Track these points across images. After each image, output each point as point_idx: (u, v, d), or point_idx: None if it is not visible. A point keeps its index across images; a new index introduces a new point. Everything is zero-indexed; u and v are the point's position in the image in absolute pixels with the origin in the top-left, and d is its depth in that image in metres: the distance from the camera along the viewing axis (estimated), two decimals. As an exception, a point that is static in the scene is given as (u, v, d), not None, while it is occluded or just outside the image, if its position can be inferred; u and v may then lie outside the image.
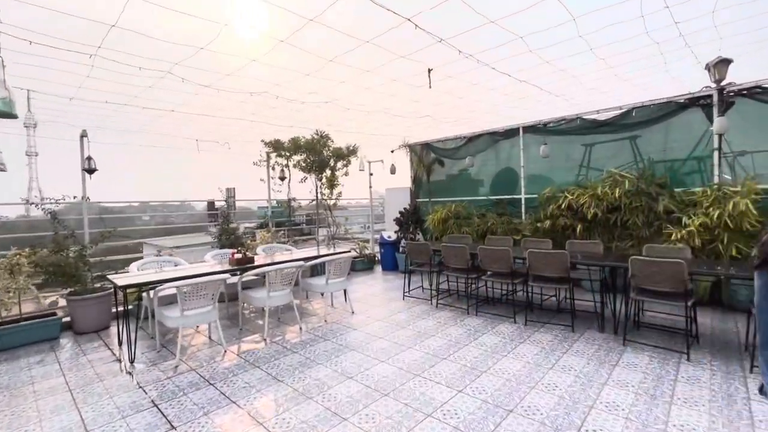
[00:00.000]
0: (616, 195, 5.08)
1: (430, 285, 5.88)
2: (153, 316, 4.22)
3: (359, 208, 13.94)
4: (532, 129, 6.59)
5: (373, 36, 3.76)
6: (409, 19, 3.39)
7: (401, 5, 3.29)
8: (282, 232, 8.17)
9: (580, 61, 4.81)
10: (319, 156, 7.03)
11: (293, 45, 3.91)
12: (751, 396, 2.70)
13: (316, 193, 7.51)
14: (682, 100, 5.14)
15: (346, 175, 8.00)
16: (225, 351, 3.90)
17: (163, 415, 2.74)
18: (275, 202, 8.06)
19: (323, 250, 6.13)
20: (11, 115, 3.48)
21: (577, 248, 4.92)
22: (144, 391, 3.10)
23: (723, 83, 4.81)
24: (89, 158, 4.98)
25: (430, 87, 4.37)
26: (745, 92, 4.70)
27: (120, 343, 4.13)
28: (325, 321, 4.77)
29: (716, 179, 4.92)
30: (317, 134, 6.90)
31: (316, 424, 2.55)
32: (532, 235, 6.14)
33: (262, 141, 6.76)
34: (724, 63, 4.83)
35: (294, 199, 7.58)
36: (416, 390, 2.95)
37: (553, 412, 2.58)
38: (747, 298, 4.53)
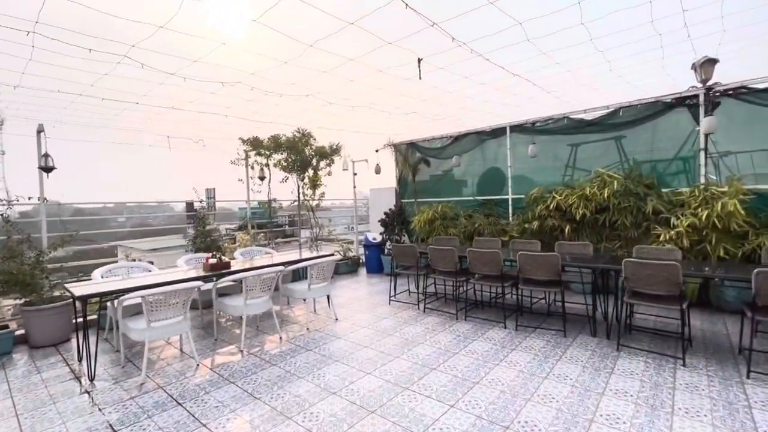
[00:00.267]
0: (605, 195, 5.01)
1: (417, 289, 5.69)
2: (118, 327, 3.87)
3: (344, 209, 13.68)
4: (519, 128, 6.48)
5: (359, 17, 3.41)
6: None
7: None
8: (262, 234, 7.85)
9: (577, 53, 4.54)
10: (300, 155, 6.74)
11: (267, 26, 3.48)
12: (751, 404, 2.60)
13: (298, 193, 7.22)
14: (668, 100, 5.11)
15: (329, 175, 7.74)
16: (197, 365, 3.59)
17: (123, 442, 2.44)
18: (256, 203, 7.73)
19: (306, 253, 5.86)
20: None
21: (567, 250, 4.81)
22: (103, 413, 2.78)
23: (709, 83, 4.80)
24: (46, 155, 4.57)
25: (420, 78, 4.12)
26: (730, 92, 4.69)
27: (80, 359, 3.77)
28: (307, 329, 4.51)
29: (703, 179, 4.90)
30: (299, 132, 6.62)
31: (295, 449, 2.31)
32: (519, 236, 6.03)
33: (240, 139, 6.42)
34: (710, 63, 4.82)
35: (275, 200, 7.27)
36: (405, 405, 2.74)
37: (552, 428, 2.41)
38: (735, 299, 4.52)
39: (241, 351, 3.89)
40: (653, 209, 4.85)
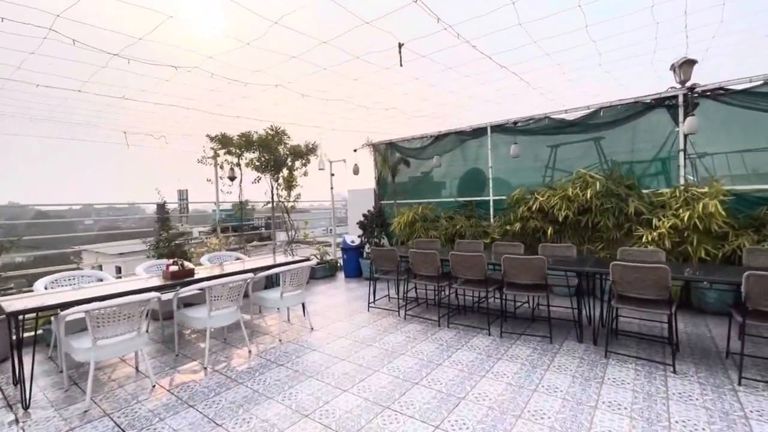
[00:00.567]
0: (588, 196, 4.92)
1: (398, 294, 5.45)
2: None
3: (322, 211, 13.31)
4: (500, 128, 6.36)
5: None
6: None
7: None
8: (233, 238, 7.42)
9: (569, 42, 4.32)
10: (274, 154, 6.37)
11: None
12: (747, 414, 2.49)
13: (272, 194, 6.85)
14: (648, 101, 5.09)
15: (305, 175, 7.39)
16: (154, 386, 3.21)
17: (53, 488, 2.07)
18: (229, 205, 7.30)
19: (280, 258, 5.52)
20: None
21: (550, 252, 4.69)
22: (34, 451, 2.38)
23: (688, 84, 4.79)
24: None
25: (401, 65, 3.84)
26: (708, 93, 4.70)
27: (15, 382, 3.31)
28: (280, 341, 4.17)
29: (682, 180, 4.89)
30: (272, 130, 6.25)
31: (260, 488, 2.00)
32: (501, 238, 5.90)
33: (208, 136, 5.99)
34: (689, 64, 4.82)
35: (247, 202, 6.86)
36: (386, 428, 2.47)
37: (546, 450, 2.21)
38: (716, 301, 4.51)
39: (205, 368, 3.52)
40: (635, 210, 4.79)
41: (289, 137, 6.46)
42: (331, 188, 8.48)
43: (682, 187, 4.67)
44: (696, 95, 4.73)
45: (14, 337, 3.06)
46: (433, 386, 3.01)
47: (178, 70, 4.30)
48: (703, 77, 4.74)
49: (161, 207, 6.39)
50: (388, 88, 5.49)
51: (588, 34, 4.05)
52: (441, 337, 4.07)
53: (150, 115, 5.74)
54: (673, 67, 4.98)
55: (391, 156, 7.80)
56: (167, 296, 4.11)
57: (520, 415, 2.57)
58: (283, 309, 4.95)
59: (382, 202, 8.03)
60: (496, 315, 4.60)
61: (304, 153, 7.03)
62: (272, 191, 6.82)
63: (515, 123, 6.14)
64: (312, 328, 4.53)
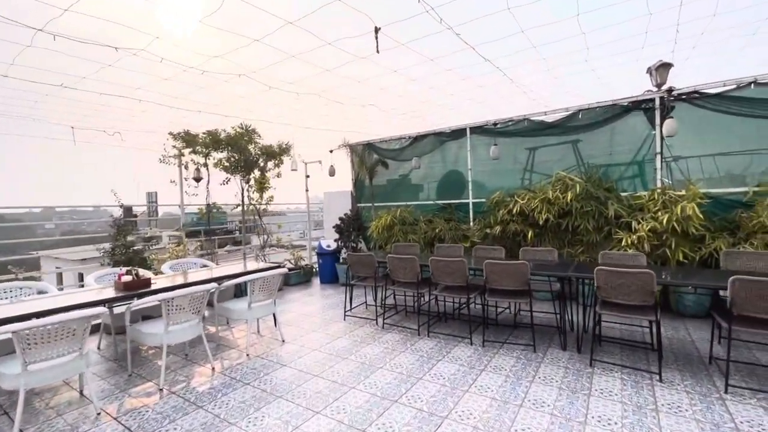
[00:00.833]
0: (568, 199, 4.85)
1: (375, 301, 5.21)
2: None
3: (299, 214, 12.93)
4: (479, 129, 6.26)
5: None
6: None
7: None
8: (200, 243, 6.98)
9: (559, 33, 4.15)
10: (244, 154, 6.02)
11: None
12: (738, 425, 2.39)
13: (242, 197, 6.48)
14: (625, 104, 5.09)
15: (278, 177, 7.06)
16: (98, 413, 2.83)
17: None
18: (195, 208, 6.86)
19: (251, 264, 5.17)
20: None
21: (531, 256, 4.58)
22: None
23: (665, 87, 4.81)
24: None
25: (377, 51, 3.59)
26: (684, 97, 4.72)
27: (-70, 415, 2.85)
28: (247, 355, 3.85)
29: (659, 183, 4.90)
30: (241, 128, 5.90)
31: None
32: (481, 241, 5.77)
33: (170, 133, 5.57)
34: (665, 67, 4.84)
35: (214, 204, 6.45)
36: (362, 456, 2.23)
37: (537, 476, 2.02)
38: (694, 304, 4.51)
39: (161, 389, 3.16)
40: (615, 213, 4.75)
41: (259, 136, 6.12)
42: (306, 190, 8.17)
43: (659, 190, 4.67)
44: (672, 98, 4.75)
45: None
46: (414, 404, 2.78)
47: (120, 53, 3.76)
48: (680, 82, 4.76)
49: (128, 210, 5.92)
50: (365, 82, 5.14)
51: (579, 24, 3.87)
52: (421, 348, 3.86)
53: (99, 108, 5.17)
54: (649, 70, 5.00)
55: (368, 157, 7.57)
56: (122, 308, 3.71)
57: (507, 435, 2.38)
58: (252, 320, 4.60)
59: (360, 204, 7.79)
60: (478, 322, 4.43)
61: (277, 153, 6.71)
62: (242, 193, 6.45)
63: (495, 124, 6.04)
64: (283, 341, 4.22)
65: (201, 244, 6.72)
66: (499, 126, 6.06)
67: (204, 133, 5.66)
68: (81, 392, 3.20)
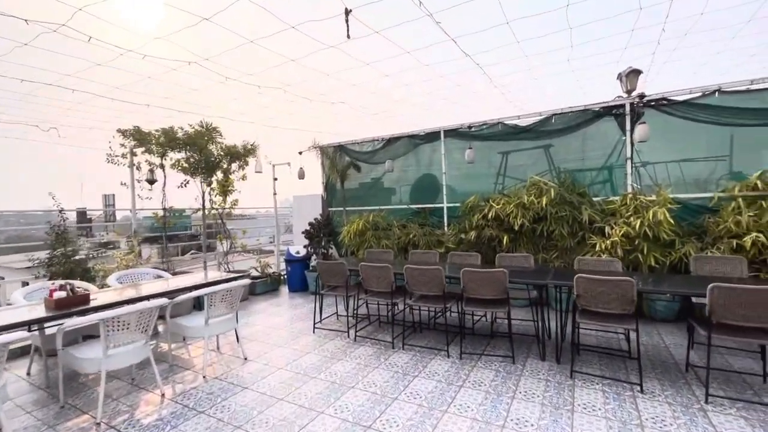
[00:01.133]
0: (543, 203, 4.79)
1: (347, 311, 4.92)
2: None
3: (269, 218, 12.43)
4: (453, 132, 6.14)
5: None
6: None
7: None
8: (158, 250, 6.44)
9: (546, 28, 3.94)
10: (203, 152, 5.57)
11: None
12: (723, 439, 2.31)
13: (203, 200, 6.03)
14: (597, 109, 5.11)
15: (243, 179, 6.64)
16: (17, 457, 2.39)
17: None
18: (154, 212, 6.30)
19: (213, 274, 4.75)
20: None
21: (508, 263, 4.47)
22: None
23: (635, 93, 4.87)
24: None
25: (348, 37, 3.29)
26: (653, 103, 4.79)
27: None
28: (204, 377, 3.46)
29: (629, 189, 4.94)
30: (201, 126, 5.46)
31: None
32: (456, 247, 5.64)
33: (119, 130, 5.04)
34: (635, 73, 4.89)
35: (171, 209, 5.95)
36: (331, 499, 1.95)
37: None
38: (665, 309, 4.54)
39: (98, 423, 2.74)
40: (589, 218, 4.73)
41: (221, 135, 5.70)
42: (274, 194, 7.76)
43: (630, 195, 4.69)
44: (642, 105, 4.81)
45: None
46: (390, 428, 2.53)
47: (33, 27, 3.13)
48: (654, 88, 4.81)
49: (82, 214, 5.30)
50: (335, 75, 4.78)
51: (567, 19, 3.70)
52: (396, 362, 3.62)
53: (23, 98, 4.53)
54: (620, 77, 5.05)
55: (340, 160, 7.29)
56: (53, 329, 3.23)
57: (491, 463, 2.18)
58: (211, 337, 4.20)
59: (331, 209, 7.49)
60: (454, 332, 4.26)
61: (241, 154, 6.29)
62: (203, 197, 5.99)
63: (470, 127, 5.94)
64: (246, 358, 3.86)
65: (159, 251, 6.18)
66: (473, 129, 5.96)
67: (157, 131, 5.17)
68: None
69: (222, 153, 6.04)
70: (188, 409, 2.90)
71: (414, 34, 3.77)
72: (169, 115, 5.44)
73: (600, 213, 4.84)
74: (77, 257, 4.62)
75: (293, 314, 5.42)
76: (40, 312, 3.03)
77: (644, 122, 4.47)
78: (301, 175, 7.16)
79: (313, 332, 4.58)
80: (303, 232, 6.77)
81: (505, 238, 5.10)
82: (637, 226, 4.29)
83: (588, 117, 5.20)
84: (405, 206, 6.70)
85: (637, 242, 4.38)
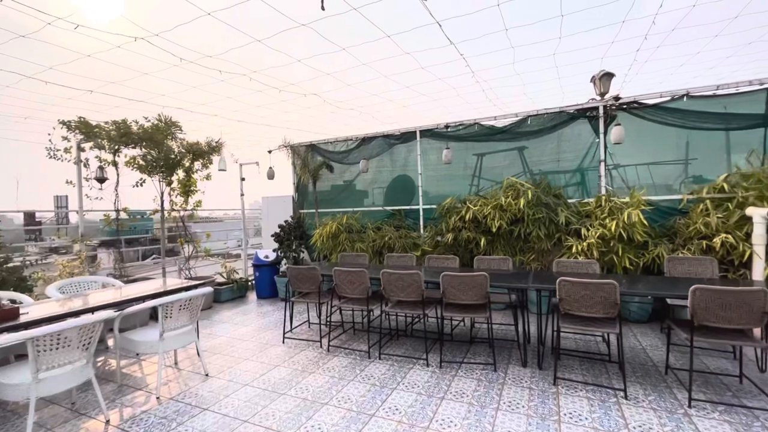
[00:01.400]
0: (521, 205, 4.72)
1: (319, 319, 4.64)
2: None
3: (236, 221, 11.88)
4: (429, 133, 6.01)
5: None
6: None
7: None
8: (114, 255, 5.88)
9: (536, 14, 3.77)
10: (163, 151, 5.13)
11: None
12: (711, 446, 2.25)
13: (161, 202, 5.56)
14: (572, 111, 5.13)
15: (207, 179, 6.21)
16: None
17: None
18: (105, 214, 5.74)
19: (172, 281, 4.33)
20: None
21: (486, 265, 4.35)
22: None
23: (607, 96, 4.91)
24: None
25: (323, 8, 2.99)
26: (624, 106, 4.85)
27: None
28: (158, 398, 3.09)
29: (603, 191, 4.97)
30: (159, 120, 5.02)
31: None
32: (432, 250, 5.49)
33: (61, 122, 4.49)
34: (608, 76, 4.94)
35: (125, 210, 5.44)
36: None
37: None
38: (639, 309, 4.57)
39: (25, 461, 2.34)
40: (566, 220, 4.71)
41: (181, 130, 5.27)
42: (242, 195, 7.34)
43: (605, 197, 4.71)
44: (615, 107, 4.86)
45: None
46: (367, 452, 2.30)
47: None
48: (631, 90, 4.86)
49: (30, 216, 4.74)
50: (306, 62, 4.37)
51: (560, 4, 3.54)
52: (372, 374, 3.39)
53: None
54: (593, 79, 5.08)
55: (312, 160, 6.99)
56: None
57: (479, 486, 1.99)
58: (167, 352, 3.80)
59: (302, 211, 7.16)
60: (433, 338, 4.08)
61: (205, 152, 5.88)
62: (162, 197, 5.53)
63: (447, 126, 5.83)
64: (207, 374, 3.50)
65: (114, 255, 5.64)
66: (450, 130, 5.86)
67: (107, 123, 4.67)
68: None
69: (184, 150, 5.60)
70: (137, 438, 2.54)
71: (396, 15, 3.41)
72: (117, 104, 4.91)
73: (576, 215, 4.84)
74: (10, 264, 4.08)
75: (261, 323, 5.07)
76: (-44, 330, 2.58)
77: (619, 124, 4.49)
78: (271, 176, 6.81)
79: (283, 342, 4.27)
80: (273, 236, 6.42)
81: (483, 240, 5.00)
82: (613, 228, 4.29)
83: (563, 119, 5.21)
84: (380, 208, 6.50)
85: (612, 244, 4.38)
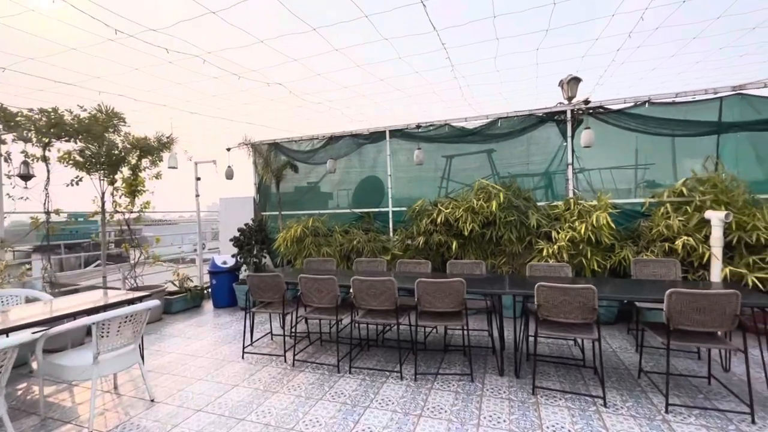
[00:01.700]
0: (493, 208, 4.64)
1: (283, 330, 4.29)
2: None
3: (192, 224, 11.12)
4: (399, 133, 5.84)
5: None
6: None
7: None
8: (46, 263, 5.16)
9: (524, 25, 3.72)
10: (99, 143, 4.57)
11: None
12: (694, 455, 2.20)
13: (102, 202, 4.97)
14: (540, 114, 5.15)
15: (157, 178, 5.65)
16: None
17: None
18: (32, 216, 5.02)
19: (113, 292, 3.80)
20: None
21: (459, 270, 4.23)
22: None
23: (575, 100, 4.97)
24: None
25: None
26: (591, 111, 4.93)
27: None
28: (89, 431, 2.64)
29: (570, 194, 5.02)
30: (99, 110, 4.45)
31: None
32: (402, 254, 5.31)
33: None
34: (575, 81, 5.01)
35: (57, 212, 4.78)
36: None
37: None
38: (606, 311, 4.62)
39: None
40: (537, 223, 4.69)
41: (125, 122, 4.72)
42: (197, 195, 6.79)
43: (573, 200, 4.75)
44: (581, 112, 4.92)
45: None
46: (339, 486, 2.04)
47: None
48: (599, 95, 4.92)
49: None
50: (269, 42, 3.79)
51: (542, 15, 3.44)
52: (343, 391, 3.12)
53: None
54: (561, 83, 5.14)
55: (275, 159, 6.60)
56: None
57: None
58: (102, 378, 3.31)
59: (264, 213, 6.74)
60: (407, 348, 3.88)
61: (155, 148, 5.33)
62: (102, 198, 4.94)
63: (418, 126, 5.68)
64: (152, 400, 3.07)
65: (58, 263, 4.95)
66: (420, 130, 5.71)
67: (32, 110, 4.04)
68: None
69: (129, 146, 5.03)
70: (60, 487, 2.12)
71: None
72: (41, 87, 4.25)
73: (546, 218, 4.84)
74: None
75: (218, 336, 4.63)
76: None
77: (589, 127, 4.54)
78: (230, 175, 6.34)
79: (243, 358, 3.88)
80: (231, 240, 5.95)
81: (454, 243, 4.88)
82: (582, 231, 4.31)
83: (532, 122, 5.22)
84: (348, 210, 6.23)
85: (581, 247, 4.41)
